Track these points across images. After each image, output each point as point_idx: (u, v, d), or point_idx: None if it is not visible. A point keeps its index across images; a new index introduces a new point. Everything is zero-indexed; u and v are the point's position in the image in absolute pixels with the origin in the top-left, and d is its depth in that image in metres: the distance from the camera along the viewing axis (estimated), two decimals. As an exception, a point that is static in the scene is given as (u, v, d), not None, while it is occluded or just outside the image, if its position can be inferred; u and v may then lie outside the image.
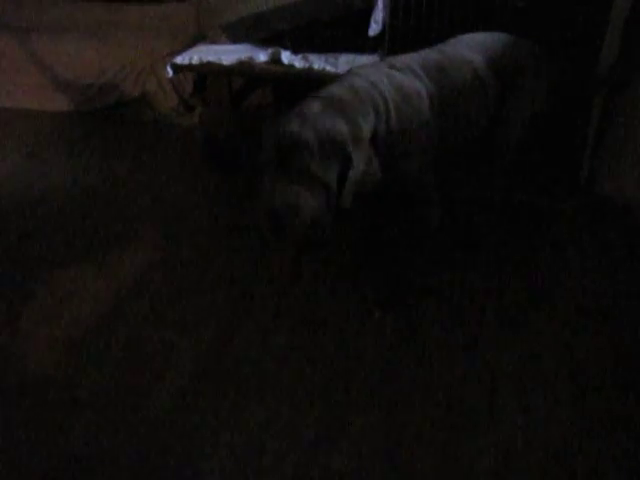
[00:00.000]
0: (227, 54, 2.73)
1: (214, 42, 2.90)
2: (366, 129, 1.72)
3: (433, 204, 2.04)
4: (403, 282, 2.08)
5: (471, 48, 2.11)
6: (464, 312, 1.97)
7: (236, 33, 2.87)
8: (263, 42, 2.84)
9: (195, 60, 2.71)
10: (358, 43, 2.78)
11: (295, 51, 2.76)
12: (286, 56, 2.69)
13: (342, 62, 2.68)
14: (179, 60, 2.72)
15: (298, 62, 2.68)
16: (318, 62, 2.66)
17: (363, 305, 2.00)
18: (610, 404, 1.64)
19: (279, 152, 1.64)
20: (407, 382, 1.72)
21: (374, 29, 2.74)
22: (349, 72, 1.95)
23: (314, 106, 1.69)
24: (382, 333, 1.89)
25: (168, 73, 2.76)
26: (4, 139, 3.25)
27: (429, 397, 1.67)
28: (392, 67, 1.95)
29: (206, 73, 2.79)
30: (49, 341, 1.88)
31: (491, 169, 2.30)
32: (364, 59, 2.71)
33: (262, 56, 2.70)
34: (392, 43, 2.89)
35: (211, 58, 2.70)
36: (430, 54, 2.07)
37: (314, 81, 2.61)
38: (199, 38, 3.08)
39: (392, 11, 2.83)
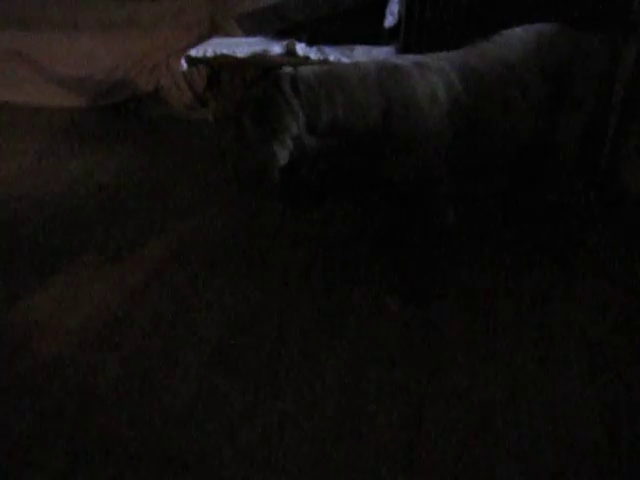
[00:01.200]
0: (241, 47, 2.72)
1: (228, 35, 2.90)
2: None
3: (443, 202, 1.93)
4: (420, 277, 2.03)
5: (515, 48, 1.92)
6: (482, 305, 1.93)
7: (250, 26, 2.86)
8: (278, 34, 2.83)
9: (209, 53, 2.70)
10: (374, 35, 2.76)
11: (310, 43, 2.74)
12: (301, 48, 2.68)
13: (357, 54, 2.66)
14: (193, 53, 2.72)
15: (313, 54, 2.66)
16: (334, 54, 2.65)
17: (380, 300, 1.96)
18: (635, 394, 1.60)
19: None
20: (425, 377, 1.68)
21: (390, 21, 2.72)
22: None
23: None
24: (400, 329, 1.85)
25: (182, 66, 2.76)
26: (19, 135, 3.25)
27: (448, 395, 1.63)
28: (419, 65, 1.82)
29: (220, 66, 2.78)
30: (65, 331, 1.87)
31: (553, 174, 2.17)
32: (379, 51, 2.69)
33: (277, 48, 2.69)
34: (407, 35, 2.86)
35: (225, 51, 2.70)
36: (469, 56, 1.92)
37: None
38: (213, 32, 3.07)
39: (408, 3, 2.81)
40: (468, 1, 2.73)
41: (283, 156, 1.67)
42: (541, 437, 1.50)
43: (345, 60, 2.61)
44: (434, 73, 1.80)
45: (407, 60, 1.85)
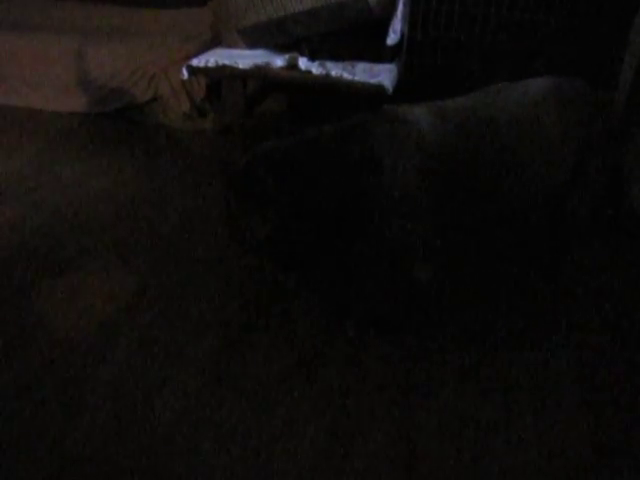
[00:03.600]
0: (243, 58, 2.72)
1: (231, 46, 2.89)
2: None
3: (420, 260, 1.78)
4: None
5: (543, 103, 1.75)
6: (478, 323, 1.92)
7: (253, 38, 2.85)
8: (280, 48, 2.83)
9: (211, 63, 2.69)
10: (376, 52, 2.77)
11: (312, 58, 2.74)
12: (303, 62, 2.68)
13: (359, 70, 2.66)
14: (195, 62, 2.71)
15: (315, 69, 2.66)
16: (335, 69, 2.65)
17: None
18: (627, 419, 1.60)
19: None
20: (416, 398, 1.67)
21: (392, 39, 2.73)
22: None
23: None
24: (393, 349, 1.83)
25: (183, 75, 2.74)
26: (15, 138, 3.21)
27: (440, 415, 1.61)
28: (393, 122, 1.65)
29: (222, 76, 2.77)
30: (56, 338, 1.83)
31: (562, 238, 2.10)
32: (381, 68, 2.70)
33: (279, 61, 2.69)
34: (410, 53, 2.89)
35: (227, 62, 2.69)
36: (470, 107, 1.74)
37: (331, 88, 2.60)
38: (214, 43, 3.06)
39: (411, 21, 2.84)
40: (470, 21, 2.76)
41: (263, 230, 1.71)
42: (533, 455, 1.50)
43: (347, 76, 2.61)
44: (407, 130, 1.65)
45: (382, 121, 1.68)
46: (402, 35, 2.80)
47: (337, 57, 2.76)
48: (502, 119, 1.70)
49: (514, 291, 2.08)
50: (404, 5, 2.72)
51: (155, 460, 1.48)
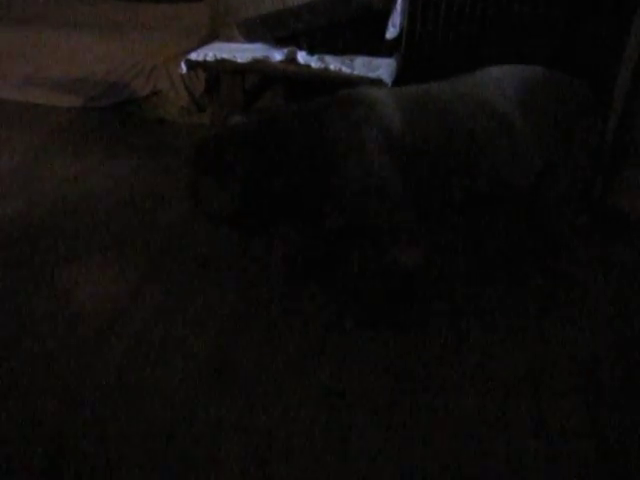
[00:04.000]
0: (242, 52, 2.71)
1: (229, 40, 2.88)
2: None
3: (404, 243, 1.77)
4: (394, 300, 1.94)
5: (489, 86, 1.77)
6: (474, 322, 1.91)
7: (252, 32, 2.84)
8: (279, 42, 2.82)
9: (210, 57, 2.68)
10: (375, 46, 2.75)
11: (311, 51, 2.73)
12: (302, 56, 2.67)
13: (358, 64, 2.66)
14: (194, 56, 2.70)
15: (314, 62, 2.65)
16: (334, 63, 2.64)
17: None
18: (625, 413, 1.60)
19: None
20: (414, 393, 1.67)
21: (391, 32, 2.72)
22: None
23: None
24: (386, 345, 1.82)
25: (182, 69, 2.73)
26: (13, 132, 3.21)
27: (437, 411, 1.61)
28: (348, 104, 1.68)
29: (220, 70, 2.76)
30: (56, 331, 1.83)
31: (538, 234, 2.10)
32: (380, 62, 2.69)
33: (278, 55, 2.68)
34: (409, 47, 2.88)
35: (226, 55, 2.68)
36: (430, 92, 1.77)
37: (329, 82, 2.59)
38: (212, 37, 3.05)
39: (410, 15, 2.83)
40: (470, 14, 2.75)
41: (229, 205, 1.68)
42: (531, 452, 1.50)
43: (345, 69, 2.61)
44: (373, 119, 1.66)
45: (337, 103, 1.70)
46: (401, 29, 2.79)
47: (336, 51, 2.75)
48: (460, 102, 1.72)
49: (505, 280, 2.09)
50: (403, -1, 2.71)
51: (154, 454, 1.49)
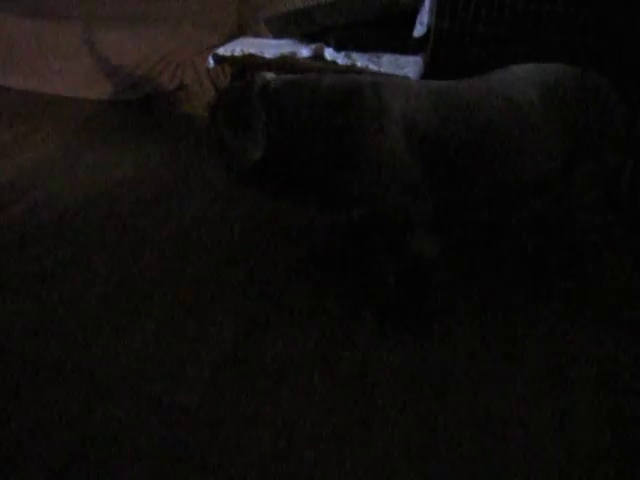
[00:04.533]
0: (269, 48, 2.72)
1: (257, 36, 2.90)
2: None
3: (421, 232, 1.77)
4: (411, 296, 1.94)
5: (514, 83, 1.77)
6: (493, 322, 1.90)
7: (279, 28, 2.86)
8: (306, 38, 2.82)
9: (237, 52, 2.70)
10: (402, 44, 2.75)
11: (338, 48, 2.73)
12: (329, 53, 2.67)
13: (385, 62, 2.65)
14: (221, 51, 2.72)
15: (341, 59, 2.65)
16: (361, 60, 2.64)
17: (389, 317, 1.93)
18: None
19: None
20: (435, 391, 1.66)
21: (419, 31, 2.71)
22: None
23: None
24: (407, 343, 1.83)
25: (209, 64, 2.76)
26: (41, 125, 3.26)
27: (459, 409, 1.61)
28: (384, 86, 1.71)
29: (248, 65, 2.77)
30: (77, 321, 1.86)
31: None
32: (407, 60, 2.68)
33: (305, 51, 2.68)
34: (436, 46, 2.87)
35: (253, 51, 2.69)
36: (456, 87, 1.78)
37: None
38: (239, 33, 3.07)
39: (438, 14, 2.82)
40: (498, 16, 2.73)
41: (253, 153, 1.67)
42: (553, 449, 1.50)
43: (372, 67, 2.60)
44: (398, 96, 1.71)
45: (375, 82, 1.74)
46: (429, 27, 2.78)
47: (363, 48, 2.75)
48: (484, 98, 1.73)
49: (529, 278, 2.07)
50: (432, -3, 2.71)
51: (175, 443, 1.50)
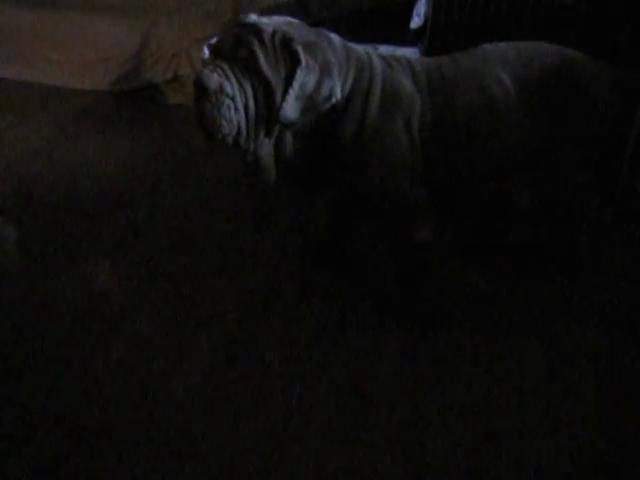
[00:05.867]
0: (265, 38, 2.69)
1: (252, 26, 2.86)
2: (334, 62, 1.58)
3: (415, 220, 1.77)
4: (403, 290, 1.93)
5: (488, 60, 1.77)
6: (491, 318, 1.89)
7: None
8: (302, 28, 2.80)
9: (233, 42, 2.67)
10: (399, 35, 2.73)
11: (334, 39, 2.71)
12: (325, 43, 2.65)
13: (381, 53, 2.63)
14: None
15: (337, 50, 2.63)
16: (357, 51, 2.61)
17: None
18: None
19: (234, 39, 1.52)
20: (428, 390, 1.66)
21: (416, 22, 2.69)
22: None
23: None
24: (402, 340, 1.82)
25: (204, 54, 2.73)
26: (36, 114, 3.24)
27: (452, 407, 1.60)
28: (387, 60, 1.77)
29: (243, 56, 2.75)
30: (72, 313, 1.85)
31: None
32: (404, 51, 2.66)
33: (301, 42, 2.66)
34: (433, 37, 2.84)
35: (249, 41, 2.66)
36: (444, 64, 1.79)
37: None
38: (234, 23, 3.04)
39: (435, 5, 2.78)
40: (496, 6, 2.71)
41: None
42: (546, 450, 1.49)
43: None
44: (402, 72, 1.73)
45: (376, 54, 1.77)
46: (426, 19, 2.75)
47: (360, 39, 2.72)
48: (460, 75, 1.73)
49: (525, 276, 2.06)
50: (429, -12, 2.68)
51: (169, 434, 1.50)
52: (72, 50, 3.53)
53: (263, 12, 2.81)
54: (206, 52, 2.71)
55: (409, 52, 2.66)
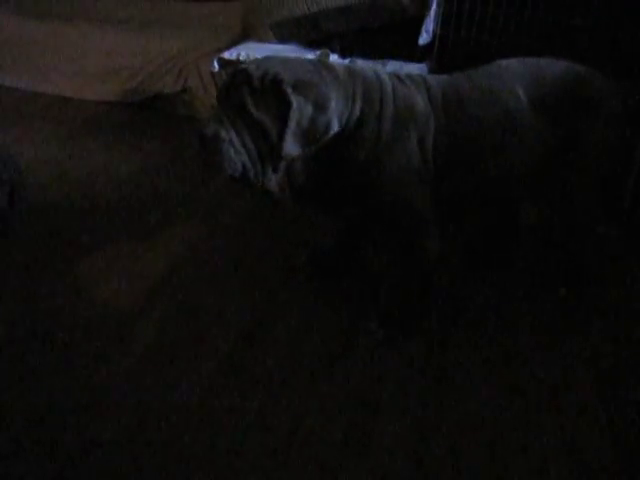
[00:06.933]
0: (275, 53, 2.72)
1: (262, 41, 2.90)
2: (331, 96, 1.56)
3: (429, 236, 1.77)
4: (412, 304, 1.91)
5: (502, 77, 1.77)
6: (496, 333, 1.90)
7: (284, 33, 2.86)
8: (311, 44, 2.83)
9: (243, 56, 2.71)
10: (407, 51, 2.75)
11: (343, 55, 2.74)
12: (334, 59, 2.67)
13: (389, 69, 2.65)
14: (227, 55, 2.73)
15: (346, 65, 2.65)
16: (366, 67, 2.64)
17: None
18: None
19: (226, 87, 1.58)
20: (435, 402, 1.66)
21: (424, 38, 2.72)
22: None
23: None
24: (409, 354, 1.82)
25: (214, 67, 2.77)
26: (44, 124, 3.27)
27: (458, 419, 1.61)
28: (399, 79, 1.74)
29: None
30: (80, 321, 1.86)
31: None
32: (412, 67, 2.69)
33: (310, 57, 2.68)
34: (441, 53, 2.87)
35: (258, 55, 2.68)
36: (460, 81, 1.79)
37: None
38: (244, 37, 3.08)
39: (443, 22, 2.81)
40: (504, 23, 2.73)
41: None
42: (551, 461, 1.49)
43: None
44: (416, 89, 1.71)
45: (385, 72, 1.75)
46: (434, 35, 2.78)
47: (368, 55, 2.75)
48: (476, 91, 1.74)
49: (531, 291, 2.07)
50: (438, 5, 2.71)
51: (174, 447, 1.50)
52: (82, 61, 3.58)
53: (272, 28, 2.87)
54: (216, 66, 2.74)
55: (417, 68, 2.69)
